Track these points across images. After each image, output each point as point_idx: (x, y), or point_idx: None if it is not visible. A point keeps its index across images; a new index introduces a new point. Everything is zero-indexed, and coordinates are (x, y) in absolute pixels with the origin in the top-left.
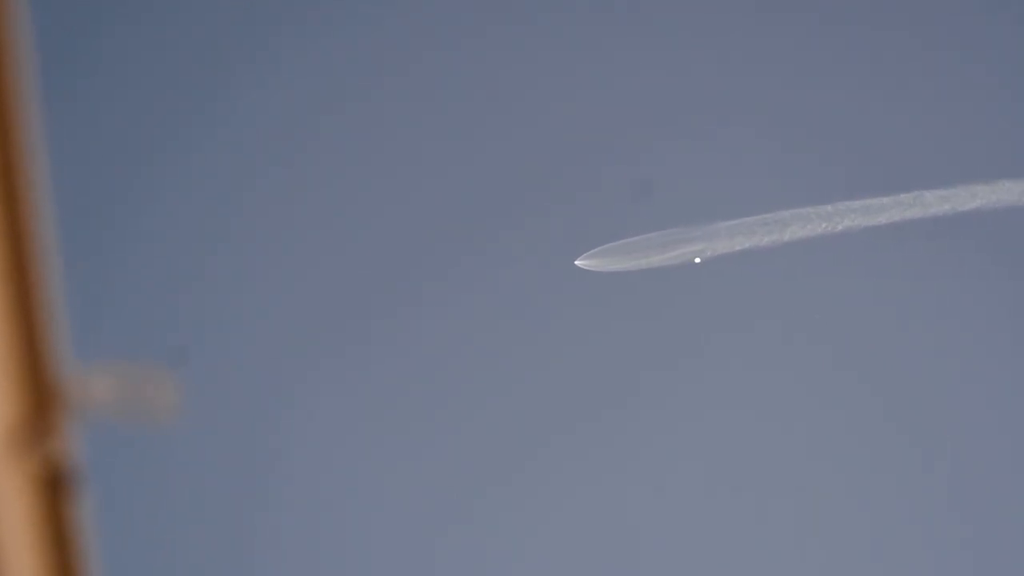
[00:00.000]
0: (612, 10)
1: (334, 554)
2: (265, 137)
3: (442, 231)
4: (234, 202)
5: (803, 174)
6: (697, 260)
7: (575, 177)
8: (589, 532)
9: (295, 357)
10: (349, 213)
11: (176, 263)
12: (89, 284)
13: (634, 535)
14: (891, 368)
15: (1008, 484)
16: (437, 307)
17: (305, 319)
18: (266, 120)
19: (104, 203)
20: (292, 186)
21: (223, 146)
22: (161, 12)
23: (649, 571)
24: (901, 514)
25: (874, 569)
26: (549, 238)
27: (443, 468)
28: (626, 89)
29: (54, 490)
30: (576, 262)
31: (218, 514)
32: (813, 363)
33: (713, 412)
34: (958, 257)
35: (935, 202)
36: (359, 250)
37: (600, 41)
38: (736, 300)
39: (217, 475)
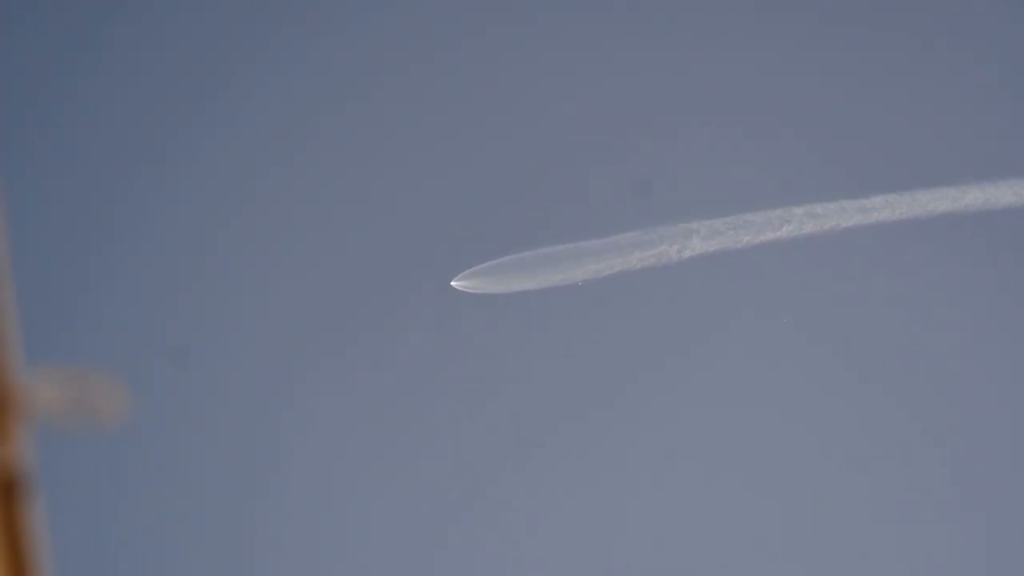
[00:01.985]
0: (570, 10)
1: (302, 563)
2: (238, 138)
3: (430, 231)
4: (198, 204)
5: (755, 178)
6: (580, 281)
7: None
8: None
9: (254, 362)
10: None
11: (130, 267)
12: (38, 289)
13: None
14: (867, 373)
15: (1003, 483)
16: (419, 311)
17: (266, 328)
18: (240, 119)
19: (55, 209)
20: (254, 186)
21: (197, 144)
22: (156, 10)
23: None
24: (892, 513)
25: (875, 571)
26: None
27: (419, 481)
28: (578, 92)
29: (6, 494)
30: (452, 283)
31: (172, 518)
32: (781, 371)
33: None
34: (930, 260)
35: (906, 206)
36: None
37: (559, 40)
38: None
39: (171, 478)
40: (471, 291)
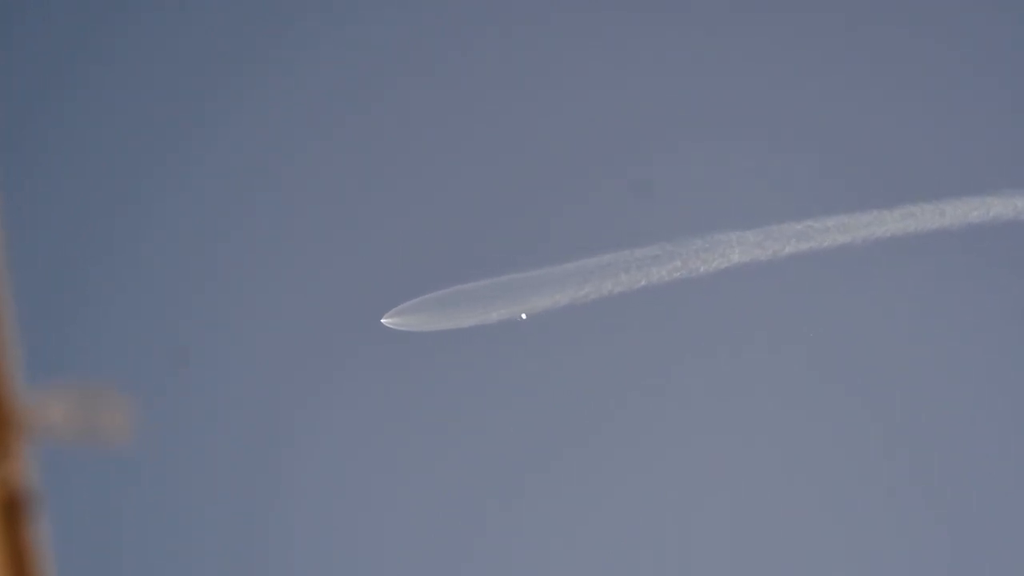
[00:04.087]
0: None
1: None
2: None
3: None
4: (193, 222)
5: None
6: (523, 316)
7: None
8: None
9: (250, 382)
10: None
11: (130, 284)
12: (40, 309)
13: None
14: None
15: (992, 494)
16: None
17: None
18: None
19: (57, 230)
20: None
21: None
22: (156, 13)
23: None
24: (900, 530)
25: None
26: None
27: (351, 520)
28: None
29: (11, 513)
30: (382, 320)
31: (175, 534)
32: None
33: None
34: (956, 270)
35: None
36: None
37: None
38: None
39: (173, 495)
40: (403, 328)
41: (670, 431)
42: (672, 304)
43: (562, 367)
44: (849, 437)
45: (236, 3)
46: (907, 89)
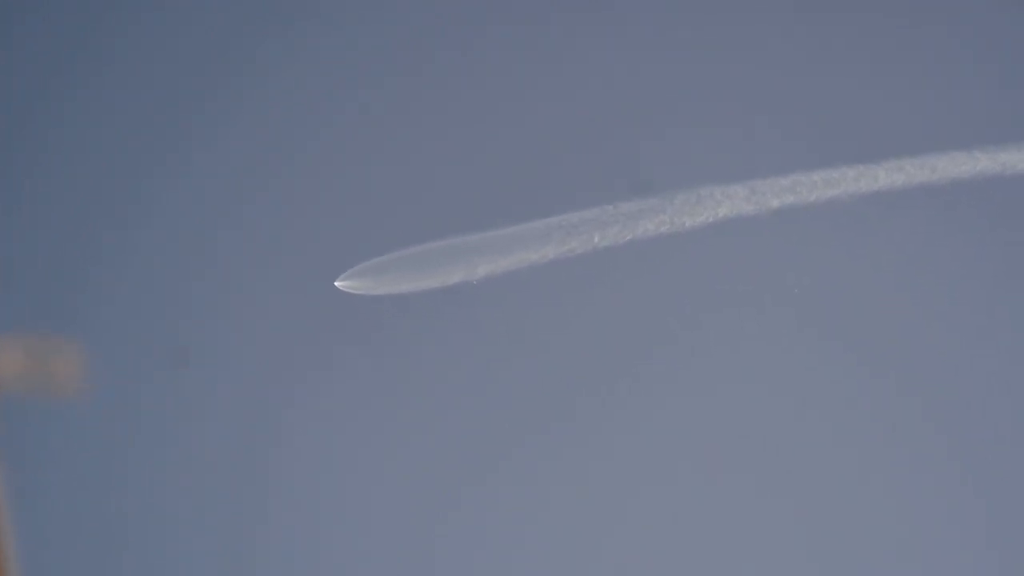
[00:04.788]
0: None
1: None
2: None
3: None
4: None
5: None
6: (475, 280)
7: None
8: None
9: (217, 360)
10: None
11: (90, 242)
12: (39, 308)
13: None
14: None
15: (996, 471)
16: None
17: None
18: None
19: (52, 208)
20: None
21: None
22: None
23: None
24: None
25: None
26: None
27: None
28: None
29: None
30: (336, 283)
31: (134, 488)
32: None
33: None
34: (944, 227)
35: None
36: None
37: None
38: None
39: (134, 449)
40: (358, 292)
41: (656, 388)
42: (658, 259)
43: (543, 324)
44: (837, 391)
45: None
46: (892, 43)
